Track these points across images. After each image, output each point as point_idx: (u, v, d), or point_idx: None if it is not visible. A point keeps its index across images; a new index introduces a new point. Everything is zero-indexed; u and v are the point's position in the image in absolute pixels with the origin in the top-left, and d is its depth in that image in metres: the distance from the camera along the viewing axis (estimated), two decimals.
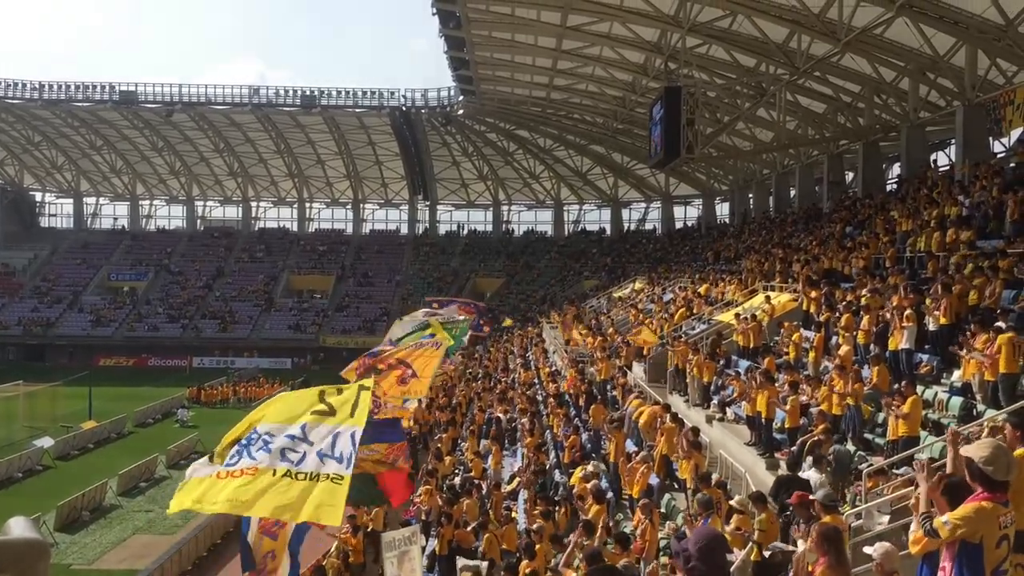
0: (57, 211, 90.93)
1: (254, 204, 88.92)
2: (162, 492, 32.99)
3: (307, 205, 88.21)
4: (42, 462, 36.94)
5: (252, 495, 7.40)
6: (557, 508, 15.16)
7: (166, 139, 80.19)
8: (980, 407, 12.15)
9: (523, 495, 18.77)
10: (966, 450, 5.41)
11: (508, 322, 56.64)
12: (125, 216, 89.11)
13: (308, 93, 73.11)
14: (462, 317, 30.31)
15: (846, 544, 7.78)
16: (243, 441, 7.85)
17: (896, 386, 12.92)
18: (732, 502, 11.52)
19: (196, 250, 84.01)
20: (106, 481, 31.95)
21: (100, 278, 79.34)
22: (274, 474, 7.52)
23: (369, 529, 19.25)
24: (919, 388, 13.70)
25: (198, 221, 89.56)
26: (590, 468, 16.79)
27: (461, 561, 13.92)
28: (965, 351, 12.78)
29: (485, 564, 12.92)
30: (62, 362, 65.38)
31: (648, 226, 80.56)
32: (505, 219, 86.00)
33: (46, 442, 37.78)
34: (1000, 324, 12.33)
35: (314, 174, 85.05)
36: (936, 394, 13.68)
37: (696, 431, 15.51)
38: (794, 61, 33.48)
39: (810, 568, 6.93)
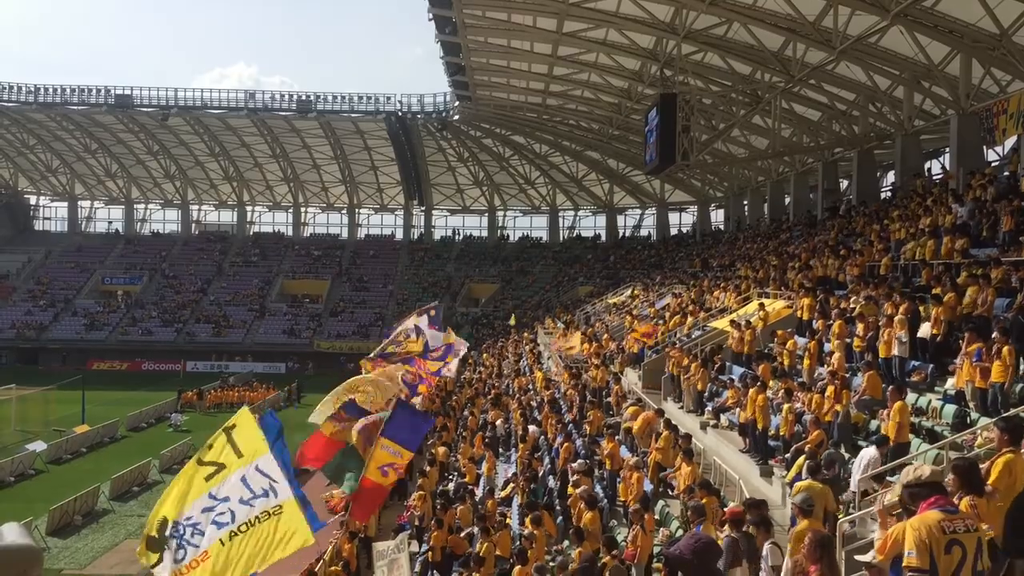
0: (51, 215, 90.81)
1: (249, 208, 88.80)
2: (155, 497, 32.79)
3: (302, 210, 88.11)
4: (34, 466, 36.77)
5: (221, 570, 7.67)
6: (544, 514, 15.14)
7: (161, 143, 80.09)
8: (973, 415, 12.18)
9: (517, 501, 18.78)
10: (901, 481, 5.53)
11: (514, 320, 56.51)
12: (120, 220, 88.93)
13: (304, 98, 73.13)
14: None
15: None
16: (176, 538, 8.03)
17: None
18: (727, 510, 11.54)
19: (191, 254, 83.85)
20: (99, 486, 31.84)
21: (94, 282, 79.14)
22: (222, 543, 7.76)
23: (363, 535, 19.22)
24: (913, 395, 13.75)
25: (193, 225, 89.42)
26: (575, 466, 16.76)
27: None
28: (960, 359, 12.84)
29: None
30: (55, 366, 65.14)
31: (643, 232, 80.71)
32: (500, 225, 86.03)
33: (39, 446, 37.65)
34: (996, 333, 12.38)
35: (309, 179, 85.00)
36: (930, 402, 13.71)
37: (688, 438, 15.55)
38: (789, 69, 33.57)
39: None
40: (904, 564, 5.05)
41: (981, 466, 6.40)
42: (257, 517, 7.75)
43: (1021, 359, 12.16)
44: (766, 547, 8.56)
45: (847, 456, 12.98)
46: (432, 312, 23.66)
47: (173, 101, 73.02)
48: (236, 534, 7.69)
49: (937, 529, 5.08)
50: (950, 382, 13.53)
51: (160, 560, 7.93)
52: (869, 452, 11.15)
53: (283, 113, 73.91)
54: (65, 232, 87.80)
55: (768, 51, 33.67)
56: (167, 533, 7.87)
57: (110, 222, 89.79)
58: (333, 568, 16.97)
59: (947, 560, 5.08)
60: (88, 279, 79.21)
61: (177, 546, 7.81)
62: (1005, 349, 11.65)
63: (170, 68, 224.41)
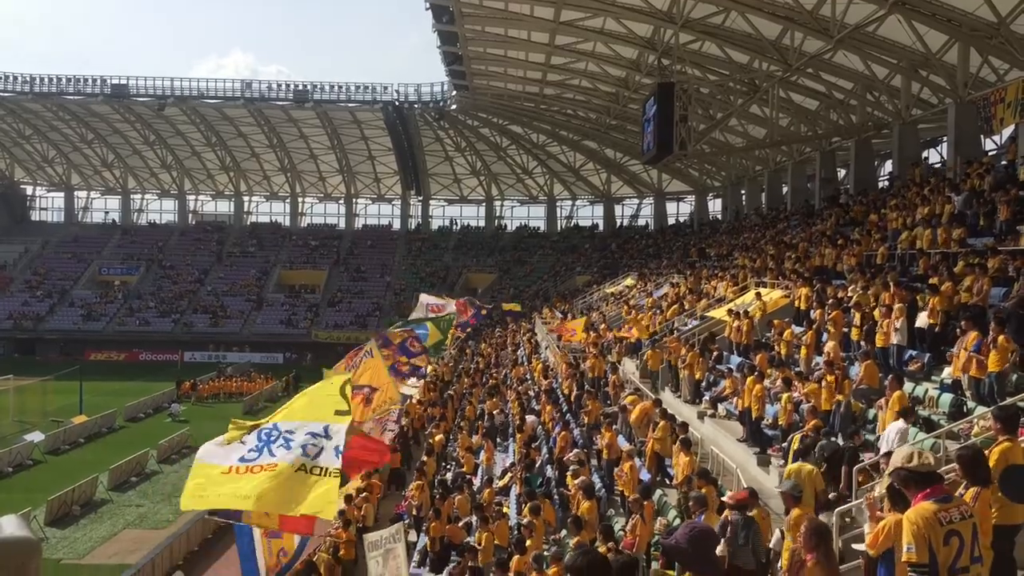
0: (48, 205, 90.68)
1: (246, 199, 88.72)
2: (153, 487, 32.94)
3: (299, 200, 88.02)
4: (32, 457, 36.82)
5: (262, 489, 7.60)
6: (543, 503, 15.17)
7: (158, 133, 79.92)
8: (970, 404, 12.20)
9: (515, 490, 18.82)
10: (896, 462, 5.50)
11: (512, 306, 56.21)
12: (116, 210, 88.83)
13: (301, 87, 72.96)
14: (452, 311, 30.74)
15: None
16: (263, 436, 7.98)
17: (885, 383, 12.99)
18: (724, 498, 11.56)
19: (187, 244, 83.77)
20: (97, 476, 31.88)
21: (91, 272, 79.07)
22: (292, 467, 7.73)
23: (360, 525, 19.26)
24: (910, 385, 13.77)
25: (190, 215, 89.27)
26: (571, 457, 16.81)
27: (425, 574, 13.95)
28: (956, 349, 12.85)
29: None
30: (52, 356, 65.16)
31: (641, 222, 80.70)
32: (498, 215, 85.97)
33: (36, 437, 37.66)
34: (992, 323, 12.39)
35: (307, 169, 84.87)
36: (927, 391, 13.74)
37: (685, 427, 15.58)
38: (787, 58, 33.52)
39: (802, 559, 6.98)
40: (904, 559, 5.04)
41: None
42: (327, 469, 7.77)
43: (1017, 349, 12.17)
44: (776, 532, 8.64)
45: (845, 443, 13.00)
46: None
47: (169, 91, 72.86)
48: (304, 470, 7.70)
49: (935, 521, 5.07)
50: (947, 371, 13.55)
51: (232, 442, 7.92)
52: (897, 424, 11.04)
53: (280, 103, 73.74)
54: (62, 222, 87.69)
55: (766, 40, 33.60)
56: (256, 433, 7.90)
57: (107, 212, 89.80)
58: (322, 554, 17.01)
59: (946, 551, 5.09)
60: (85, 269, 79.12)
61: (256, 447, 7.82)
62: (1001, 338, 11.66)
63: (166, 57, 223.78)
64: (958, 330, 13.38)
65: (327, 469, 7.73)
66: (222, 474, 7.66)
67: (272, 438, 7.92)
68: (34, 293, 75.28)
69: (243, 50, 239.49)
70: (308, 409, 8.36)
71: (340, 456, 7.86)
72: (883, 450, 10.86)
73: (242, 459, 7.77)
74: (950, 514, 5.13)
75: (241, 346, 70.27)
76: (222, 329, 71.96)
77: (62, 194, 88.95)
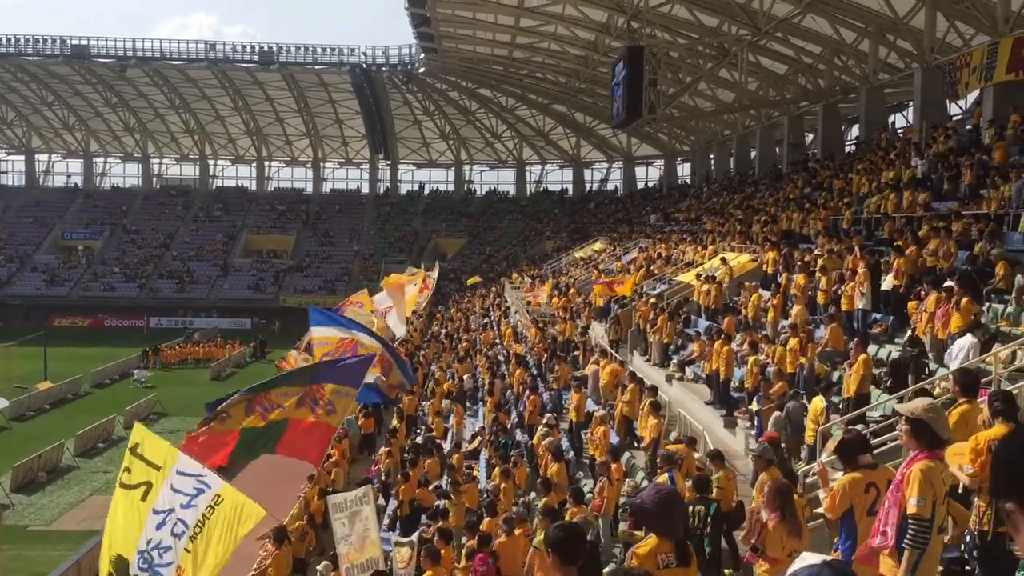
0: (8, 168, 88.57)
1: (211, 162, 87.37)
2: (120, 453, 32.53)
3: (266, 164, 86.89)
4: None
5: (206, 567, 7.91)
6: (515, 466, 15.29)
7: (120, 95, 78.37)
8: (932, 365, 12.40)
9: (484, 454, 18.93)
10: (905, 407, 5.54)
11: (474, 280, 56.34)
12: (79, 174, 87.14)
13: (266, 49, 71.78)
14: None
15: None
16: (147, 568, 8.26)
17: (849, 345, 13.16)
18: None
19: (152, 209, 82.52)
20: (63, 442, 31.64)
21: (53, 237, 77.77)
22: (187, 551, 8.06)
23: (331, 489, 19.28)
24: (873, 347, 13.96)
25: (154, 179, 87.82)
26: (544, 421, 16.95)
27: (395, 537, 13.97)
28: (919, 311, 13.04)
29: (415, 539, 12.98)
30: (16, 322, 64.16)
31: (610, 187, 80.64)
32: (467, 179, 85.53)
33: (0, 403, 37.25)
34: (951, 284, 12.55)
35: (273, 132, 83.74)
36: (890, 353, 13.93)
37: (655, 391, 15.71)
38: (756, 21, 33.50)
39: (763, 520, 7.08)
40: (910, 512, 5.05)
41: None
42: (204, 515, 8.04)
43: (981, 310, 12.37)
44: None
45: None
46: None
47: (131, 52, 71.41)
48: (194, 537, 7.97)
49: (939, 480, 5.16)
50: (909, 333, 13.74)
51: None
52: (966, 339, 11.03)
53: (245, 65, 72.55)
54: (23, 186, 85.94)
55: (735, 3, 33.56)
56: (134, 571, 8.02)
57: (69, 176, 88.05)
58: (299, 523, 17.04)
59: (941, 511, 5.22)
60: (48, 234, 77.82)
61: (152, 574, 8.00)
62: (964, 300, 11.84)
63: (127, 17, 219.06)
64: (922, 292, 13.55)
65: (199, 522, 8.01)
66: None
67: (150, 559, 8.10)
68: None
69: (206, 10, 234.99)
70: (129, 527, 8.43)
71: (193, 503, 8.09)
72: (952, 365, 10.75)
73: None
74: (944, 475, 5.27)
75: (208, 311, 69.69)
76: (188, 294, 71.25)
77: (22, 157, 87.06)
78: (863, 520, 5.70)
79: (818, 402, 11.60)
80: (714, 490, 10.05)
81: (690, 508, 9.47)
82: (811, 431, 11.30)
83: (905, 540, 5.05)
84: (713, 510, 9.34)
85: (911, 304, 13.97)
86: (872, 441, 8.44)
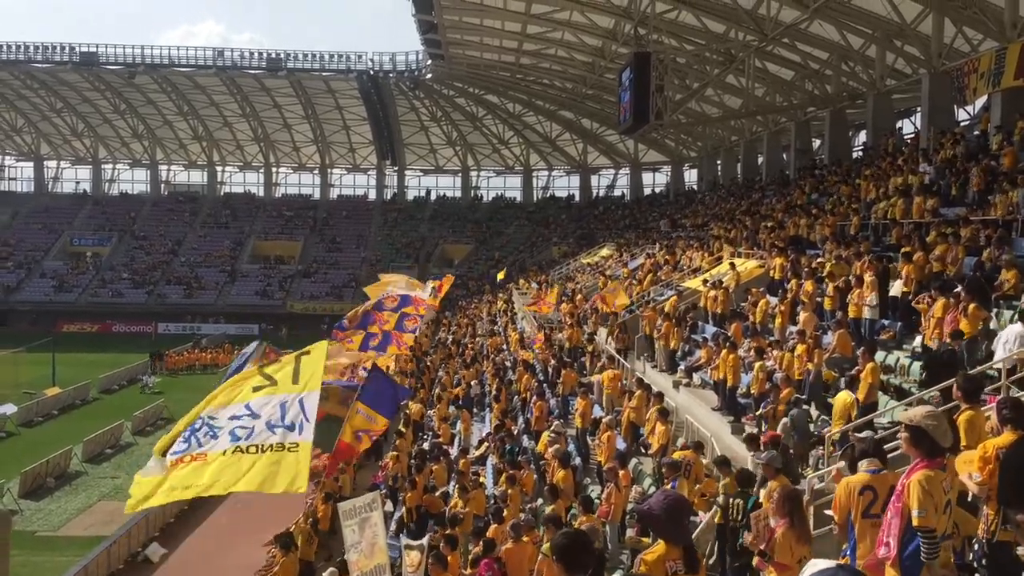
0: (17, 175, 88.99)
1: (219, 169, 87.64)
2: (128, 459, 32.79)
3: (273, 170, 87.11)
4: (5, 429, 36.52)
5: (208, 477, 7.47)
6: (521, 472, 15.27)
7: (128, 102, 78.68)
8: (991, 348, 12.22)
9: (491, 460, 18.91)
10: (906, 415, 5.53)
11: (503, 274, 56.17)
12: (87, 180, 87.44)
13: (274, 56, 72.04)
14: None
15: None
16: (187, 431, 7.83)
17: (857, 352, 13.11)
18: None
19: (160, 215, 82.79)
20: (71, 448, 31.69)
21: (62, 243, 78.04)
22: (224, 454, 7.55)
23: (338, 495, 19.29)
24: (881, 353, 13.92)
25: (162, 186, 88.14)
26: (553, 428, 16.93)
27: (405, 540, 13.98)
28: (927, 318, 12.99)
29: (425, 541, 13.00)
30: (24, 328, 64.36)
31: (617, 192, 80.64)
32: (474, 185, 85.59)
33: (9, 409, 37.33)
34: (959, 290, 12.50)
35: (280, 138, 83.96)
36: (898, 359, 13.89)
37: (661, 397, 15.68)
38: (763, 27, 33.47)
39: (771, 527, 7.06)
40: (915, 525, 5.04)
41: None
42: (271, 445, 7.56)
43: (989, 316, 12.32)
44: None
45: (816, 414, 13.17)
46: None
47: (140, 59, 71.71)
48: (241, 451, 7.54)
49: (940, 489, 5.14)
50: (918, 340, 13.70)
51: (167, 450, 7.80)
52: (1015, 327, 10.82)
53: (253, 71, 72.85)
54: (32, 192, 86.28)
55: (742, 9, 33.53)
56: (177, 431, 7.80)
57: (77, 182, 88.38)
58: (300, 525, 17.06)
59: (943, 521, 5.19)
60: (56, 240, 78.10)
61: (182, 440, 7.70)
62: (972, 306, 11.79)
63: (136, 25, 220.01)
64: (927, 299, 13.48)
65: (263, 446, 7.57)
66: (159, 479, 7.58)
67: (195, 429, 7.82)
68: (4, 264, 74.22)
69: (215, 18, 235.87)
70: (225, 396, 8.16)
71: (276, 430, 7.70)
72: (1000, 355, 10.67)
73: (173, 453, 7.68)
74: (947, 483, 5.24)
75: (216, 317, 69.83)
76: (196, 300, 71.43)
77: (31, 164, 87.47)
78: (859, 521, 5.77)
79: (845, 396, 11.49)
80: (720, 496, 10.03)
81: (729, 500, 9.53)
82: (838, 426, 11.22)
83: (922, 555, 5.05)
84: (751, 504, 9.25)
85: (921, 306, 13.88)
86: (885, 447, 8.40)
